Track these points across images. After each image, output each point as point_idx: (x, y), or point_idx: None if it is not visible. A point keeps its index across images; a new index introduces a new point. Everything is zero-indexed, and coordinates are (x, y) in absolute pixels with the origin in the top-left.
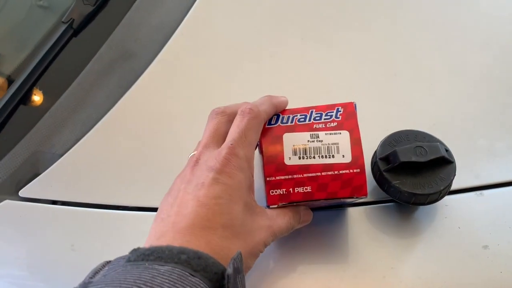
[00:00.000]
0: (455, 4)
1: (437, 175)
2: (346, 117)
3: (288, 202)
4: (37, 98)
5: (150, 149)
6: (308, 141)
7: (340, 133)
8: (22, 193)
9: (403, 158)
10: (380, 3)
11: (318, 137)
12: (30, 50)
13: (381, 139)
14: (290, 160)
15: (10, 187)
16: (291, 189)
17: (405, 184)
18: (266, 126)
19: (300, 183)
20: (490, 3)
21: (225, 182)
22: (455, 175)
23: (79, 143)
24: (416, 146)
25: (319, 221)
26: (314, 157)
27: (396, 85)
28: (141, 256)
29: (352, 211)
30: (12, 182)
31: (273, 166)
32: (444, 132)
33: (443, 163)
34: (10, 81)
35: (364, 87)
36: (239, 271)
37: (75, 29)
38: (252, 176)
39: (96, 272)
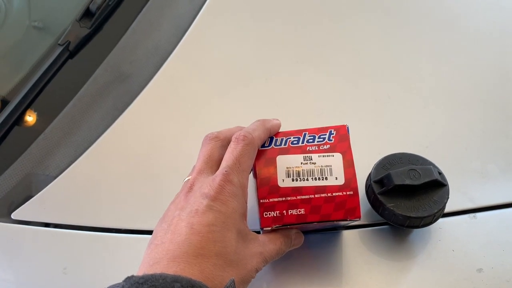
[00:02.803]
0: (448, 27)
1: (430, 198)
2: (339, 140)
3: (282, 225)
4: (31, 119)
5: (144, 171)
6: (302, 163)
7: (333, 155)
8: (15, 215)
9: (397, 181)
10: (373, 26)
11: (311, 159)
12: (26, 72)
13: (375, 162)
14: (284, 182)
15: (2, 209)
16: (284, 212)
17: (399, 207)
18: (260, 149)
19: (294, 205)
20: (483, 26)
21: (219, 210)
22: (448, 198)
23: (72, 165)
24: (410, 169)
25: (313, 244)
26: (307, 179)
27: (390, 108)
28: (135, 285)
29: (346, 234)
30: (5, 204)
31: (267, 188)
32: (437, 155)
33: (436, 186)
34: (5, 102)
35: (357, 109)
36: None
37: (71, 51)
38: (246, 203)
39: None
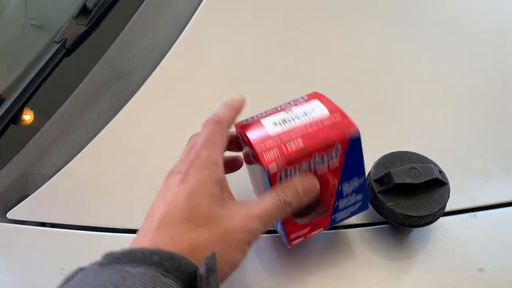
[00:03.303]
0: (449, 27)
1: (431, 197)
2: (312, 96)
3: (287, 162)
4: (28, 117)
5: (141, 170)
6: (284, 115)
7: (311, 102)
8: (10, 215)
9: (397, 179)
10: (374, 25)
11: (292, 111)
12: (22, 69)
13: (375, 161)
14: (273, 128)
15: None
16: (283, 147)
17: (399, 206)
18: (244, 123)
19: (290, 140)
20: (484, 25)
21: (189, 180)
22: (449, 196)
23: (69, 164)
24: (410, 168)
25: (313, 243)
26: (294, 121)
27: (390, 106)
28: (112, 260)
29: (346, 233)
30: (0, 204)
31: (259, 138)
32: (438, 154)
33: (437, 184)
34: (1, 100)
35: (358, 108)
36: (212, 270)
37: (67, 49)
38: (222, 173)
39: (69, 278)
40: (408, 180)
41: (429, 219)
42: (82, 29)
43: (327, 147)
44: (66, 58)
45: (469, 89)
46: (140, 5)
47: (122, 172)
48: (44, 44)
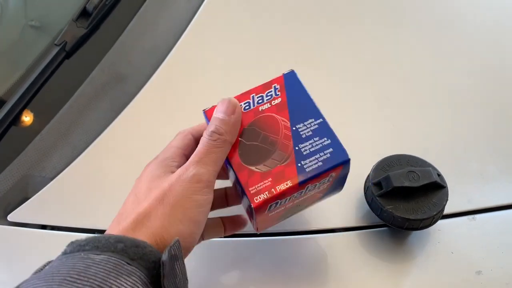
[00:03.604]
0: (447, 28)
1: (429, 200)
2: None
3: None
4: (28, 120)
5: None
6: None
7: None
8: (11, 217)
9: (396, 183)
10: (373, 27)
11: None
12: (22, 72)
13: (374, 164)
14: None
15: None
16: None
17: (398, 209)
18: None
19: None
20: (483, 27)
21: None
22: (447, 199)
23: (69, 167)
24: (409, 171)
25: (312, 245)
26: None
27: (389, 109)
28: (77, 247)
29: (345, 236)
30: (1, 206)
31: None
32: (436, 157)
33: (435, 188)
34: (1, 102)
35: (357, 110)
36: (177, 258)
37: (67, 52)
38: (170, 160)
39: (37, 271)
40: (406, 184)
41: (427, 222)
42: (82, 32)
43: (264, 88)
44: (66, 61)
45: (468, 92)
46: (139, 8)
47: (122, 175)
48: (44, 46)
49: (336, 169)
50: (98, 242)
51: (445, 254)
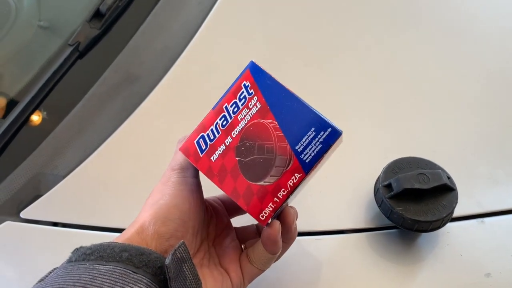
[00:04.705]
0: (456, 31)
1: (439, 202)
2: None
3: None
4: (41, 119)
5: (152, 172)
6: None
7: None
8: (24, 214)
9: (406, 185)
10: (382, 31)
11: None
12: (36, 71)
13: (384, 166)
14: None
15: (11, 208)
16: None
17: (408, 211)
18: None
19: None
20: (492, 29)
21: None
22: (457, 202)
23: (81, 165)
24: (419, 173)
25: (321, 246)
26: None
27: (398, 112)
28: (82, 256)
29: (355, 237)
30: (14, 203)
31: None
32: (446, 160)
33: (445, 190)
34: (15, 102)
35: (366, 113)
36: (185, 260)
37: (80, 52)
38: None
39: (42, 279)
40: (416, 186)
41: (437, 224)
42: (95, 32)
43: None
44: (79, 61)
45: (477, 94)
46: (152, 9)
47: (134, 174)
48: (57, 46)
49: (334, 144)
50: (103, 251)
51: (454, 256)
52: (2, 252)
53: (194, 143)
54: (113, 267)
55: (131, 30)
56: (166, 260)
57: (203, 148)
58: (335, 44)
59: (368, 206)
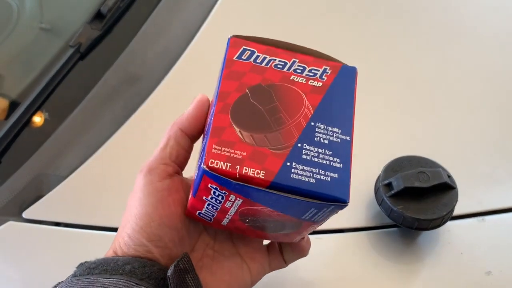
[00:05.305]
0: (458, 30)
1: (439, 201)
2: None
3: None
4: (42, 120)
5: None
6: None
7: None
8: (26, 214)
9: (406, 183)
10: (383, 29)
11: None
12: (37, 73)
13: (384, 165)
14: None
15: (14, 208)
16: None
17: (408, 209)
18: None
19: None
20: (494, 29)
21: None
22: (457, 200)
23: (83, 165)
24: (419, 172)
25: (320, 245)
26: None
27: (399, 111)
28: (86, 270)
29: (355, 236)
30: (16, 204)
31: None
32: (446, 158)
33: (445, 188)
34: (17, 103)
35: (367, 112)
36: (188, 271)
37: (82, 53)
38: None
39: None
40: (417, 184)
41: (437, 223)
42: (96, 34)
43: (314, 62)
44: (80, 62)
45: (478, 93)
46: (153, 11)
47: (135, 174)
48: (58, 48)
49: (325, 202)
50: (107, 265)
51: (454, 254)
52: (5, 251)
53: (198, 216)
54: (117, 280)
55: (132, 31)
56: (169, 271)
57: (209, 220)
58: (335, 43)
59: (369, 204)
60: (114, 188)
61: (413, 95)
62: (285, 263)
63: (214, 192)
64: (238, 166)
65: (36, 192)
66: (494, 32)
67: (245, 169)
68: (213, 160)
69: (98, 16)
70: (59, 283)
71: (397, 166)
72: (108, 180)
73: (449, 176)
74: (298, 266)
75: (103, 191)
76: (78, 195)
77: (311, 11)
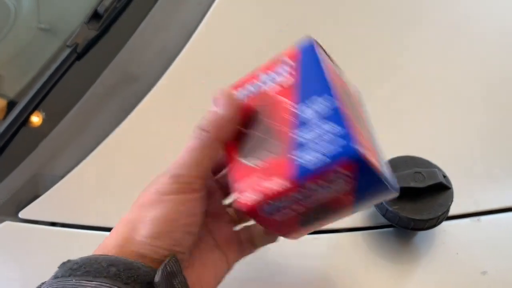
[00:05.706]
0: (454, 29)
1: (435, 201)
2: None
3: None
4: (39, 120)
5: (150, 172)
6: None
7: None
8: (22, 214)
9: (402, 183)
10: (379, 28)
11: None
12: (34, 73)
13: None
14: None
15: (10, 208)
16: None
17: (404, 209)
18: None
19: None
20: (490, 28)
21: None
22: (452, 201)
23: (79, 165)
24: (415, 172)
25: (316, 246)
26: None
27: (394, 110)
28: (68, 271)
29: (350, 236)
30: (13, 204)
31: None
32: (442, 158)
33: (441, 189)
34: (13, 103)
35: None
36: (175, 274)
37: (79, 53)
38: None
39: None
40: (412, 184)
41: (433, 223)
42: (93, 34)
43: (273, 64)
44: (77, 62)
45: (474, 92)
46: (150, 10)
47: (132, 174)
48: (55, 48)
49: (344, 166)
50: (90, 266)
51: (450, 254)
52: (1, 251)
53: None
54: (100, 283)
55: (129, 31)
56: (156, 277)
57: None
58: (335, 43)
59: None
60: (110, 188)
61: (408, 96)
62: (254, 248)
63: (332, 180)
64: (257, 186)
65: (32, 192)
66: (493, 32)
67: (264, 185)
68: (240, 198)
69: (95, 16)
70: (43, 283)
71: (392, 166)
72: (105, 180)
73: (445, 176)
74: (293, 266)
75: (99, 191)
76: (74, 195)
77: (309, 11)
